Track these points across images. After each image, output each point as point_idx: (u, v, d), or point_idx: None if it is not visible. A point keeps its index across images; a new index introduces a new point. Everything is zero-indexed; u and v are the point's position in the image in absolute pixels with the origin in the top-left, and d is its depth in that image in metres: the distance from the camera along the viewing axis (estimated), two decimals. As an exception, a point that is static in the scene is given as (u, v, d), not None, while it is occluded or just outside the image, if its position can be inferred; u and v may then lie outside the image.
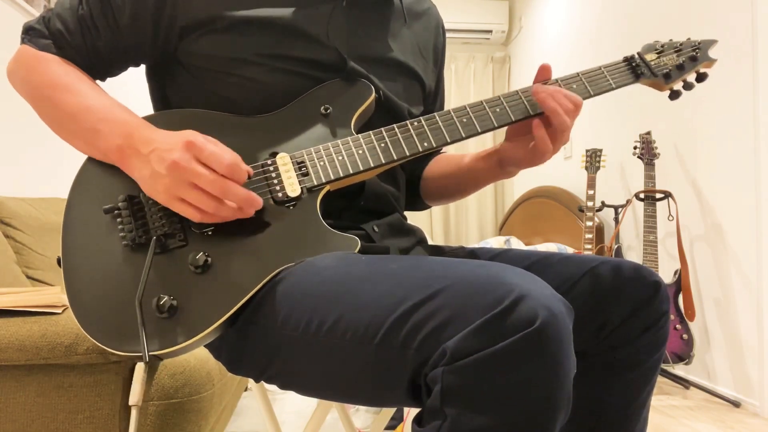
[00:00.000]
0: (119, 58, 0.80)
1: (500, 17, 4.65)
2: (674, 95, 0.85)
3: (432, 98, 1.00)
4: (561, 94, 0.76)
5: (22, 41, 0.78)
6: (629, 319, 0.74)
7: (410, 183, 1.01)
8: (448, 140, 0.76)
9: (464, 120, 0.77)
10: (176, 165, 0.63)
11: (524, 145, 0.82)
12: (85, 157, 0.74)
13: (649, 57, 0.84)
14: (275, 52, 0.76)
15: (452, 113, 0.77)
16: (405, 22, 0.90)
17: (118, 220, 0.68)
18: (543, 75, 0.81)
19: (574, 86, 0.80)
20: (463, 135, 0.76)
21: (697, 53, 0.83)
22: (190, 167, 0.63)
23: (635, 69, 0.83)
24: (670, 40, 0.87)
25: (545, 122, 0.77)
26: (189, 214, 0.65)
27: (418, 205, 1.05)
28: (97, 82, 0.80)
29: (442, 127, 0.76)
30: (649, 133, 2.47)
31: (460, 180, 0.96)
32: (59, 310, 0.96)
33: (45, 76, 0.74)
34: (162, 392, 0.91)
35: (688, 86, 0.85)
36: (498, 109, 0.77)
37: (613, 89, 0.81)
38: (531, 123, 0.78)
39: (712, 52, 0.84)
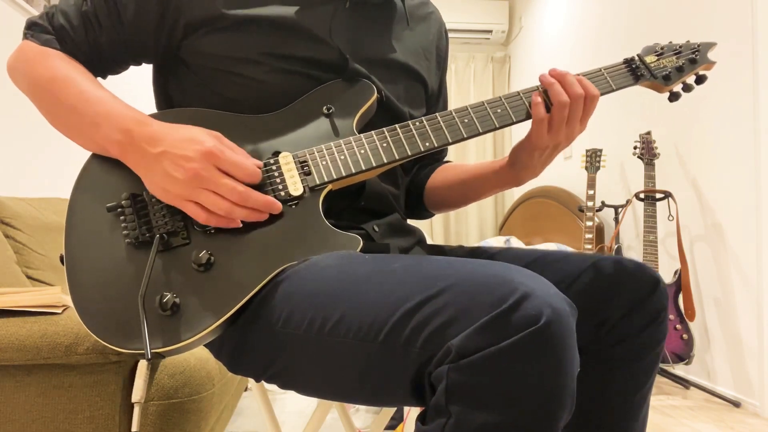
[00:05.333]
0: (121, 55, 0.80)
1: (500, 17, 4.66)
2: (674, 97, 0.85)
3: (434, 101, 1.00)
4: (570, 78, 0.76)
5: (25, 36, 0.78)
6: (629, 315, 0.74)
7: (413, 193, 1.01)
8: (450, 140, 0.76)
9: (466, 120, 0.77)
10: (198, 175, 0.64)
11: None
12: (86, 155, 0.74)
13: (649, 59, 0.84)
14: (278, 52, 0.76)
15: (454, 113, 0.77)
16: (407, 24, 0.91)
17: (122, 218, 0.68)
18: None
19: None
20: (465, 135, 0.76)
21: (696, 55, 0.83)
22: (213, 178, 0.64)
23: (635, 71, 0.83)
24: (670, 42, 0.87)
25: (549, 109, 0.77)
26: (197, 215, 0.66)
27: (422, 214, 1.04)
28: (98, 79, 0.80)
29: (443, 127, 0.76)
30: (649, 133, 2.47)
31: (470, 186, 0.95)
32: (59, 310, 0.96)
33: (46, 70, 0.74)
34: (162, 392, 0.91)
35: (687, 88, 0.85)
36: (499, 110, 0.78)
37: (613, 90, 0.81)
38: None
39: (711, 55, 0.84)
